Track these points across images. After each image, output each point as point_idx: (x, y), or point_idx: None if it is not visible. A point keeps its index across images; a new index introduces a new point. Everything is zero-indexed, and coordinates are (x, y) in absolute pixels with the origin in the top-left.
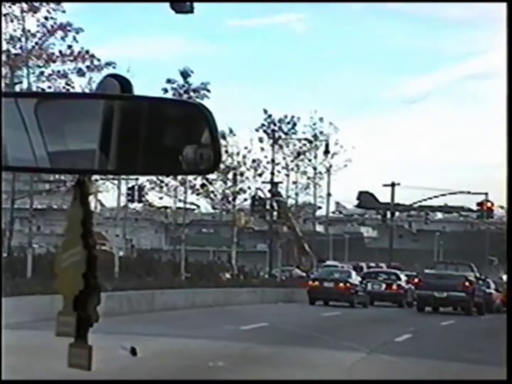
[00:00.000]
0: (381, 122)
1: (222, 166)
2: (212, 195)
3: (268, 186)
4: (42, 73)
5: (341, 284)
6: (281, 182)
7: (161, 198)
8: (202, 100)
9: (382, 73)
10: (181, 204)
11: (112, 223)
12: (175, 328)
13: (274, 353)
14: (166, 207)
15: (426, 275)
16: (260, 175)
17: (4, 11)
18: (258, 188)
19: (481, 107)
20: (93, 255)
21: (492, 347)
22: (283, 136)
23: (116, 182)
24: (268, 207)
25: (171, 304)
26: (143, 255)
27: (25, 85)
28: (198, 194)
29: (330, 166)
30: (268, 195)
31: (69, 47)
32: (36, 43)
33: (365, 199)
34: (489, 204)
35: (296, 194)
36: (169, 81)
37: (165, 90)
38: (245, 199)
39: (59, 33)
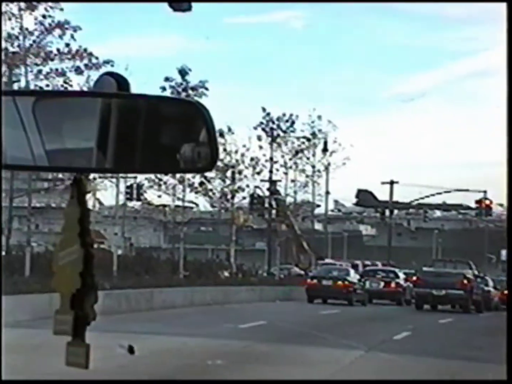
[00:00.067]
0: (380, 120)
1: (220, 164)
2: (210, 193)
3: (267, 184)
4: (40, 71)
5: (340, 282)
6: (279, 180)
7: (159, 196)
8: (200, 98)
9: (381, 71)
10: (179, 202)
11: (111, 221)
12: (173, 327)
13: (273, 351)
14: (164, 205)
15: (424, 273)
16: (258, 173)
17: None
18: (256, 186)
19: (480, 105)
20: (90, 254)
21: (490, 345)
22: (281, 134)
23: (114, 180)
24: (266, 205)
25: (170, 303)
26: (141, 253)
27: (23, 84)
28: (196, 192)
29: (329, 164)
30: (267, 193)
31: (67, 45)
32: (34, 41)
33: (364, 197)
34: (487, 202)
35: (295, 192)
36: (167, 79)
37: (163, 88)
38: (244, 197)
39: (57, 31)
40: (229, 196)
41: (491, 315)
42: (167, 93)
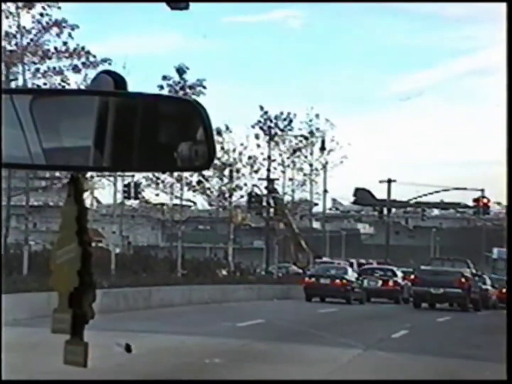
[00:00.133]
0: (378, 118)
1: (218, 163)
2: (208, 192)
3: (265, 183)
4: (37, 69)
5: (338, 281)
6: (277, 179)
7: (157, 195)
8: (198, 97)
9: (378, 70)
10: (177, 201)
11: (109, 220)
12: (171, 325)
13: (271, 349)
14: (162, 204)
15: (422, 272)
16: (256, 171)
17: None
18: (254, 185)
19: (479, 104)
20: (88, 252)
21: (489, 343)
22: (279, 132)
23: (112, 179)
24: (264, 203)
25: (168, 301)
26: (139, 252)
27: (20, 82)
28: (194, 191)
29: (326, 162)
30: (265, 191)
31: (65, 43)
32: (32, 40)
33: (362, 195)
34: (485, 201)
35: (293, 190)
36: (164, 77)
37: (161, 87)
38: (242, 196)
39: (55, 30)
40: (227, 195)
41: (489, 314)
42: (165, 91)
